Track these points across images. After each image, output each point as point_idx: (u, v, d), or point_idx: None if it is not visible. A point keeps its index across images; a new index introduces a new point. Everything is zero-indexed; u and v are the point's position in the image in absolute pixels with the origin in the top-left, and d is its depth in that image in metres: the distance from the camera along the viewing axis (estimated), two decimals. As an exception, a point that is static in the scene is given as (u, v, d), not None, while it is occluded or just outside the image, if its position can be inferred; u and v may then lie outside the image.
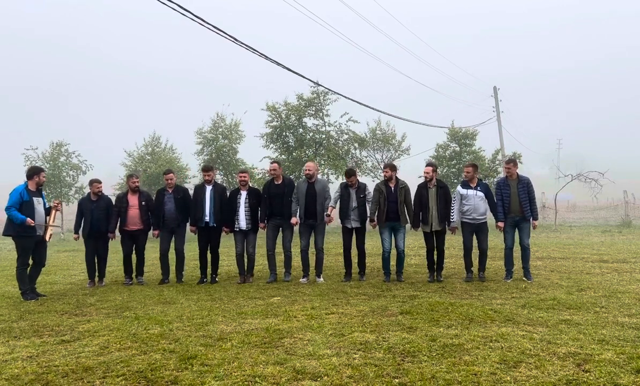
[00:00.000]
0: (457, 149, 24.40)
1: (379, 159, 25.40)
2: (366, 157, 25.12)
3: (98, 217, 8.71)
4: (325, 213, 8.47)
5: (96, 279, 8.93)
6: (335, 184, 18.47)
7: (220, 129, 24.94)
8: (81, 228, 8.90)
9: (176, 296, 7.41)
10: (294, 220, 8.52)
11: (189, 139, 26.15)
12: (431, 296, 6.80)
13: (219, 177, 24.29)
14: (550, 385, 3.56)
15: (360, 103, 19.04)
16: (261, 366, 4.04)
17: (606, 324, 5.15)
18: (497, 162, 24.78)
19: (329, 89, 20.53)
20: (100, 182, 9.05)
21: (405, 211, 8.40)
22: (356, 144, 23.74)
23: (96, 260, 8.90)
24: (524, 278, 8.10)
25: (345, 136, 23.02)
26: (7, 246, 17.83)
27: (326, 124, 22.75)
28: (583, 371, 3.80)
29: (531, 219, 8.17)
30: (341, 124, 22.70)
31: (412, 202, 8.47)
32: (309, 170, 8.67)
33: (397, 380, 3.70)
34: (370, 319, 5.54)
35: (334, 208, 8.60)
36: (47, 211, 7.88)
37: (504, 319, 5.38)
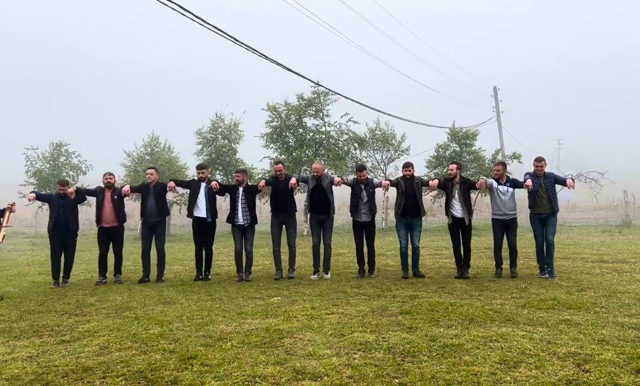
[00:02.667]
0: (457, 149, 24.37)
1: (379, 159, 25.41)
2: (366, 157, 25.11)
3: (65, 215, 8.76)
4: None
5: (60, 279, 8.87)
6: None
7: (220, 129, 24.92)
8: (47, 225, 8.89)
9: (176, 296, 7.41)
10: (293, 181, 8.80)
11: (189, 139, 26.14)
12: (431, 296, 6.80)
13: (218, 178, 24.27)
14: (550, 385, 3.56)
15: (360, 103, 19.06)
16: (261, 366, 4.04)
17: (606, 324, 5.15)
18: (497, 162, 24.74)
19: (329, 89, 20.54)
20: (65, 184, 9.05)
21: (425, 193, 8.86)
22: (356, 145, 23.72)
23: (62, 259, 8.87)
24: (546, 275, 8.32)
25: (345, 136, 23.00)
26: (6, 246, 17.85)
27: (326, 124, 22.73)
28: (583, 371, 3.80)
29: (567, 180, 8.34)
30: (341, 125, 22.70)
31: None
32: (316, 172, 8.87)
33: (397, 380, 3.70)
34: (370, 319, 5.54)
35: (347, 182, 9.05)
36: (1, 213, 8.00)
37: (504, 319, 5.38)
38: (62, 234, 8.82)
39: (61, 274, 8.87)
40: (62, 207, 8.77)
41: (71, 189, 8.88)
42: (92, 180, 21.00)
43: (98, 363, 4.23)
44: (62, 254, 8.88)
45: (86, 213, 20.79)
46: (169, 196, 23.14)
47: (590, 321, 5.25)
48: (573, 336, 4.70)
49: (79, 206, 9.28)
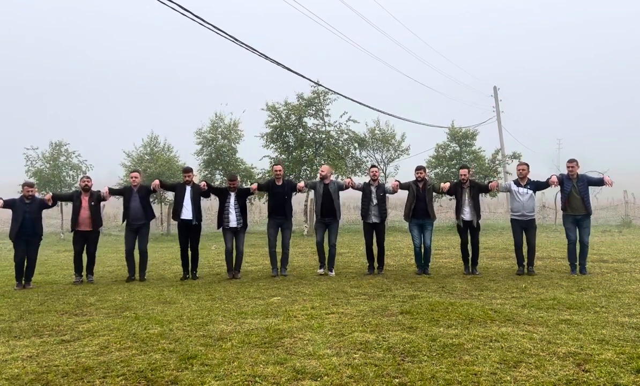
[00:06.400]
0: (457, 149, 24.36)
1: (379, 159, 25.40)
2: (366, 157, 25.11)
3: (31, 218, 8.71)
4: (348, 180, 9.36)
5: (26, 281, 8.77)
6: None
7: (220, 129, 24.91)
8: (10, 229, 8.77)
9: (176, 296, 7.41)
10: (301, 184, 9.23)
11: (187, 139, 26.12)
12: (431, 296, 6.80)
13: (218, 177, 24.26)
14: (550, 385, 3.56)
15: (360, 103, 19.09)
16: (261, 366, 4.05)
17: (606, 324, 5.15)
18: (496, 162, 24.74)
19: (329, 89, 20.54)
20: (32, 186, 8.99)
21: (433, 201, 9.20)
22: (356, 144, 23.71)
23: (26, 262, 8.75)
24: (579, 273, 8.57)
25: (345, 136, 23.00)
26: (7, 245, 17.83)
27: (326, 124, 22.72)
28: (583, 371, 3.80)
29: (604, 178, 8.90)
30: (341, 124, 22.70)
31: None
32: (322, 171, 9.26)
33: (397, 380, 3.70)
34: (370, 319, 5.54)
35: (356, 186, 9.25)
36: None
37: (504, 319, 5.39)
38: (28, 239, 8.73)
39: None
40: (27, 212, 8.68)
41: (48, 196, 8.99)
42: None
43: (98, 363, 4.23)
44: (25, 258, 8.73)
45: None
46: (169, 195, 23.13)
47: (590, 321, 5.25)
48: (573, 336, 4.70)
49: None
